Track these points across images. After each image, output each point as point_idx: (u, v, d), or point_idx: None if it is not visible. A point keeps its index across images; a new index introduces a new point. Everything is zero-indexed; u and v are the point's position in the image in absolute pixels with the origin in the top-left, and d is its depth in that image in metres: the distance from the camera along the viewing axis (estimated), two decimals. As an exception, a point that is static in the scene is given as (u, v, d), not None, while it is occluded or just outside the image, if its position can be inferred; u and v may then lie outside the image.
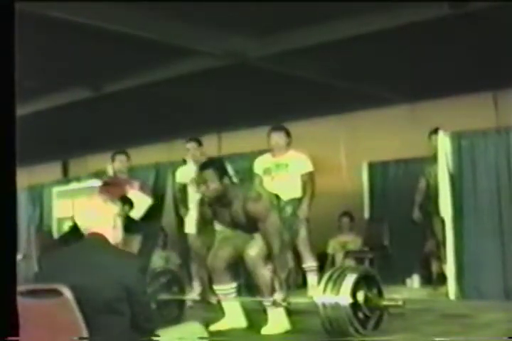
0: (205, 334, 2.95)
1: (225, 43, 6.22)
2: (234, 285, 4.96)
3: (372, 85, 7.74)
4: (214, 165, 4.72)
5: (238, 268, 5.19)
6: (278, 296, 4.62)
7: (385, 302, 4.24)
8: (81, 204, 2.81)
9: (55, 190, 8.88)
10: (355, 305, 4.12)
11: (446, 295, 5.94)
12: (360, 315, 4.16)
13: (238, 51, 6.33)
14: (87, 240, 2.79)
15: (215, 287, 4.97)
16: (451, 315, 5.07)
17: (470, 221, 5.98)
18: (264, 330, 4.63)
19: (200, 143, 6.77)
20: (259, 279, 4.72)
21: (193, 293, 6.68)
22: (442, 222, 6.15)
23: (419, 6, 5.29)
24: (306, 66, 6.90)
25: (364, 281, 4.24)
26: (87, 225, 2.81)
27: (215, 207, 4.77)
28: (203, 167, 4.72)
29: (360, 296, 4.16)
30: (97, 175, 7.44)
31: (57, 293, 2.42)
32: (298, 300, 4.91)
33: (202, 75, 6.82)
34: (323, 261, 7.59)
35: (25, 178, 9.32)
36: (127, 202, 6.50)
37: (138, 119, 8.79)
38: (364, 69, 7.00)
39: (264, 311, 4.80)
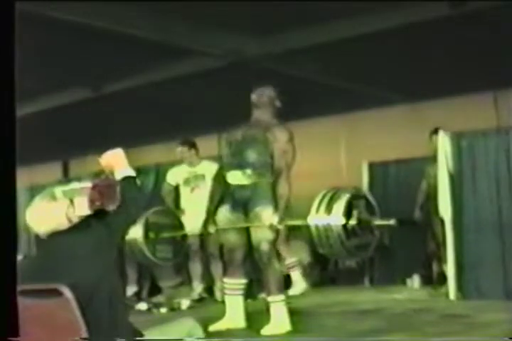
0: (201, 332, 2.92)
1: (225, 43, 6.22)
2: (245, 281, 4.92)
3: (373, 85, 7.74)
4: None
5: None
6: (274, 219, 4.55)
7: (376, 222, 4.21)
8: (31, 209, 2.69)
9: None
10: (346, 224, 4.08)
11: (447, 295, 5.93)
12: (351, 234, 4.12)
13: (238, 51, 6.34)
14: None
15: (226, 280, 4.94)
16: (451, 315, 5.05)
17: (470, 221, 5.97)
18: (265, 330, 4.60)
19: (191, 146, 6.59)
20: (269, 275, 4.70)
21: (194, 293, 6.69)
22: (442, 221, 6.14)
23: (419, 5, 5.29)
24: (306, 66, 6.90)
25: (357, 201, 4.20)
26: (44, 228, 2.66)
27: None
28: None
29: (352, 215, 4.12)
30: (98, 175, 7.42)
31: (57, 293, 2.42)
32: (292, 222, 4.90)
33: (202, 75, 6.83)
34: (326, 262, 7.61)
35: (25, 178, 9.32)
36: None
37: (138, 119, 8.78)
38: (364, 69, 7.00)
39: (267, 310, 4.78)
